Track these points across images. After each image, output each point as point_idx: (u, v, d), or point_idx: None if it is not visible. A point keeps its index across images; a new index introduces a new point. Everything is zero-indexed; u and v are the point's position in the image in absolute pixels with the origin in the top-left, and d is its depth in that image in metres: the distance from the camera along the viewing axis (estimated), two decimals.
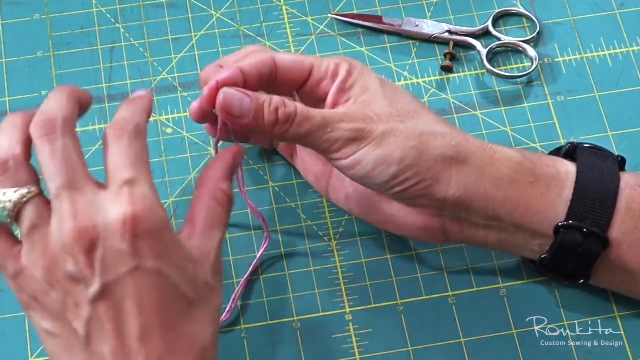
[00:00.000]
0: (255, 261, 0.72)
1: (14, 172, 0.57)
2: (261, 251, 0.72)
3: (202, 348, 0.58)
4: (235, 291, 0.71)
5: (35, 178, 0.58)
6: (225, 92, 0.64)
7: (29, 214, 0.57)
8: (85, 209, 0.56)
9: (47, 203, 0.57)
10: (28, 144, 0.58)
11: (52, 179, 0.57)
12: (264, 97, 0.65)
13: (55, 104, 0.58)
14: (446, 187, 0.66)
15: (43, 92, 0.79)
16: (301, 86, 0.68)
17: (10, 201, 0.57)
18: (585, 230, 0.65)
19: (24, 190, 0.57)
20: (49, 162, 0.57)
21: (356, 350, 0.70)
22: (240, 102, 0.64)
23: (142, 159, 0.58)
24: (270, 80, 0.67)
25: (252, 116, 0.64)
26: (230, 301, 0.70)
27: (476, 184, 0.66)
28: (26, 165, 0.58)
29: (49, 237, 0.57)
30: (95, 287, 0.56)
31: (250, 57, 0.67)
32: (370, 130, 0.65)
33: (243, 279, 0.71)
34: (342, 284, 0.72)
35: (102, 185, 0.58)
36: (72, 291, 0.56)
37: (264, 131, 0.65)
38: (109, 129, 0.58)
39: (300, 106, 0.65)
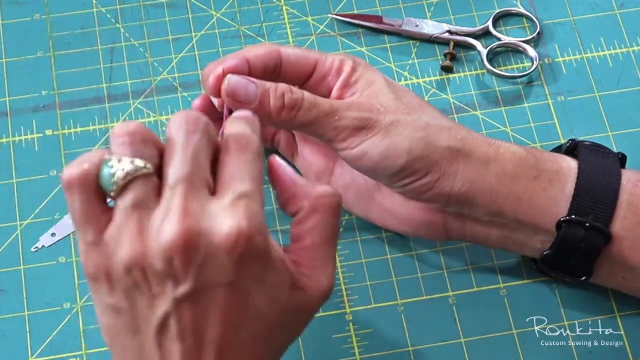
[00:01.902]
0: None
1: (138, 141, 0.55)
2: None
3: None
4: None
5: (157, 159, 0.55)
6: (230, 78, 0.65)
7: (135, 190, 0.54)
8: (196, 211, 0.53)
9: (158, 189, 0.55)
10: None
11: (175, 167, 0.54)
12: (269, 84, 0.65)
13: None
14: (452, 181, 0.66)
15: (43, 92, 0.79)
16: (305, 80, 0.68)
17: (122, 170, 0.54)
18: (587, 224, 0.65)
19: (140, 163, 0.54)
20: (179, 151, 0.55)
21: (356, 350, 0.70)
22: (246, 88, 0.65)
23: (260, 178, 0.56)
24: (274, 72, 0.67)
25: (258, 101, 0.65)
26: None
27: (481, 178, 0.66)
28: (154, 143, 0.55)
29: (149, 223, 0.54)
30: (184, 288, 0.54)
31: (256, 48, 0.67)
32: (378, 120, 0.65)
33: None
34: (342, 284, 0.72)
35: (215, 193, 0.55)
36: (158, 283, 0.54)
37: (271, 117, 0.65)
38: (231, 138, 0.56)
39: (307, 93, 0.65)
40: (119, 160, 0.54)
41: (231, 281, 0.54)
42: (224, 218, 0.54)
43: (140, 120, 0.78)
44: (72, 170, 0.55)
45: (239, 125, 0.57)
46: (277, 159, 0.61)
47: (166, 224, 0.53)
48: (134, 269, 0.54)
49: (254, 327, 0.56)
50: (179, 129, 0.55)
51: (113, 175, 0.54)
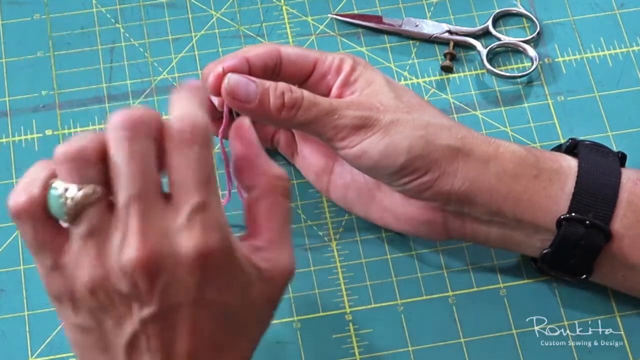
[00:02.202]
0: None
1: (83, 166, 0.52)
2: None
3: None
4: None
5: (103, 179, 0.53)
6: (230, 77, 0.65)
7: (89, 218, 0.52)
8: (154, 231, 0.52)
9: (110, 208, 0.53)
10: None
11: (125, 185, 0.52)
12: (269, 83, 0.65)
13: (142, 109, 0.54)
14: (452, 179, 0.66)
15: (43, 92, 0.79)
16: (305, 80, 0.68)
17: (72, 199, 0.52)
18: (587, 222, 0.65)
19: (88, 190, 0.52)
20: (125, 165, 0.52)
21: (356, 350, 0.70)
22: (246, 87, 0.65)
23: (212, 175, 0.54)
24: (274, 71, 0.67)
25: (258, 100, 0.65)
26: None
27: (481, 177, 0.66)
28: (98, 163, 0.53)
29: (107, 248, 0.53)
30: (150, 310, 0.53)
31: (256, 47, 0.68)
32: (377, 118, 0.66)
33: None
34: (342, 284, 0.72)
35: (169, 198, 0.53)
36: (123, 304, 0.53)
37: (270, 116, 0.65)
38: (175, 131, 0.54)
39: (306, 92, 0.66)
40: (66, 189, 0.52)
41: (196, 298, 0.54)
42: (183, 238, 0.53)
43: None
44: (18, 198, 0.54)
45: (180, 109, 0.55)
46: (246, 122, 0.60)
47: (126, 248, 0.52)
48: (97, 292, 0.53)
49: (228, 331, 0.56)
50: (120, 140, 0.52)
51: (63, 204, 0.52)
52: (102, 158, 0.53)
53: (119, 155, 0.52)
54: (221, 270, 0.54)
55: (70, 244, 0.54)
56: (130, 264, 0.52)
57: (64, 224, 0.54)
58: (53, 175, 0.54)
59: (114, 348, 0.55)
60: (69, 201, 0.52)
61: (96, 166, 0.53)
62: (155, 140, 0.53)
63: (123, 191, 0.52)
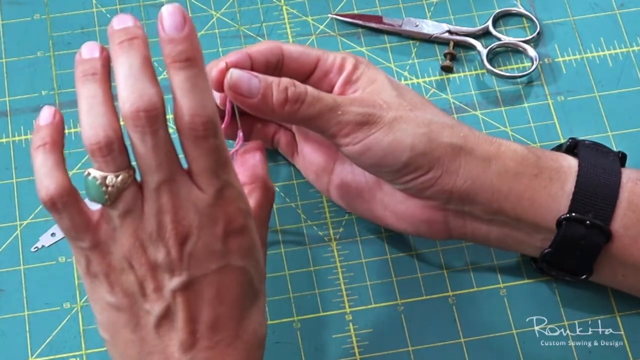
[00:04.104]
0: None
1: (117, 155, 0.56)
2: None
3: (260, 338, 0.60)
4: None
5: (129, 161, 0.57)
6: (233, 72, 0.65)
7: (126, 199, 0.56)
8: (185, 206, 0.56)
9: (140, 188, 0.57)
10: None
11: (153, 172, 0.56)
12: (272, 78, 0.66)
13: (151, 91, 0.57)
14: (454, 177, 0.66)
15: (43, 92, 0.79)
16: (307, 77, 0.69)
17: (113, 186, 0.56)
18: (588, 222, 0.65)
19: (124, 175, 0.56)
20: (152, 155, 0.56)
21: (356, 350, 0.70)
22: (249, 81, 0.65)
23: (227, 158, 0.57)
24: (276, 68, 0.68)
25: (261, 95, 0.65)
26: None
27: (483, 175, 0.66)
28: (125, 148, 0.57)
29: (142, 222, 0.56)
30: (181, 279, 0.57)
31: (258, 44, 0.68)
32: (381, 115, 0.66)
33: None
34: (342, 284, 0.72)
35: (192, 178, 0.57)
36: (155, 277, 0.57)
37: (273, 111, 0.65)
38: (188, 126, 0.56)
39: (310, 87, 0.66)
40: (104, 177, 0.56)
41: (224, 265, 0.58)
42: (212, 211, 0.57)
43: None
44: (49, 190, 0.57)
45: (189, 101, 0.57)
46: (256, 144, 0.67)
47: (161, 220, 0.56)
48: (134, 263, 0.57)
49: (248, 297, 0.59)
50: (143, 129, 0.56)
51: (105, 192, 0.56)
52: (124, 145, 0.56)
53: (143, 147, 0.56)
54: (244, 236, 0.58)
55: (108, 223, 0.57)
56: (164, 231, 0.56)
57: (96, 207, 0.57)
58: (61, 157, 0.58)
59: (145, 324, 0.58)
60: (110, 188, 0.56)
61: (123, 154, 0.56)
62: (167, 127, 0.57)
63: (152, 177, 0.56)
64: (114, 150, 0.56)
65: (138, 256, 0.57)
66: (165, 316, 0.57)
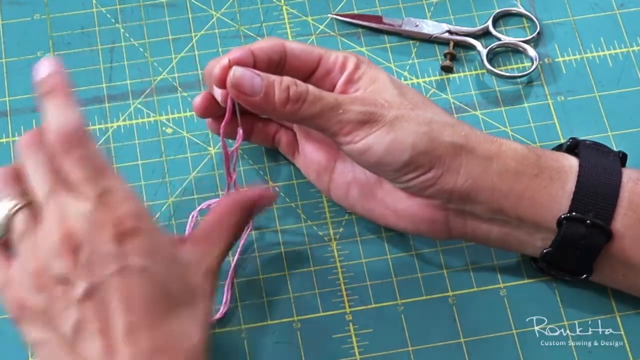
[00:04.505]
0: (240, 245, 0.72)
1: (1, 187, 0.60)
2: (244, 235, 0.72)
3: (187, 350, 0.58)
4: (228, 276, 0.71)
5: (21, 191, 0.60)
6: (236, 70, 0.65)
7: (18, 223, 0.59)
8: (71, 214, 0.57)
9: (38, 212, 0.59)
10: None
11: (39, 187, 0.59)
12: (274, 76, 0.66)
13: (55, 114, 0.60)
14: (456, 176, 0.66)
15: None
16: (309, 76, 0.69)
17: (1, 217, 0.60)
18: (588, 222, 0.65)
19: (9, 204, 0.59)
20: (34, 172, 0.59)
21: (356, 350, 0.70)
22: (251, 80, 0.65)
23: (102, 162, 0.59)
24: (278, 65, 0.68)
25: (263, 93, 0.65)
26: (225, 290, 0.71)
27: (484, 174, 0.66)
28: (11, 182, 0.60)
29: (38, 242, 0.58)
30: (81, 288, 0.57)
31: (261, 41, 0.68)
32: (382, 114, 0.66)
33: (232, 264, 0.72)
34: (342, 284, 0.72)
35: (78, 191, 0.59)
36: (60, 294, 0.57)
37: (275, 110, 0.65)
38: (54, 142, 0.59)
39: (311, 86, 0.66)
40: None
41: (121, 266, 0.57)
42: (96, 215, 0.57)
43: (140, 120, 0.78)
44: None
45: (51, 118, 0.59)
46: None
47: (51, 233, 0.57)
48: (40, 285, 0.58)
49: (161, 302, 0.58)
50: (24, 158, 0.60)
51: None
52: (14, 176, 0.61)
53: (27, 167, 0.60)
54: (140, 235, 0.58)
55: (14, 254, 0.60)
56: (55, 243, 0.57)
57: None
58: None
59: (66, 351, 0.57)
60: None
61: (10, 184, 0.60)
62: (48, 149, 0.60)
63: (39, 192, 0.59)
64: None
65: (42, 276, 0.58)
66: (78, 333, 0.57)
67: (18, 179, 0.60)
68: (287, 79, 0.66)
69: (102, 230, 0.57)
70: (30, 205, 0.60)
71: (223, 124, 0.68)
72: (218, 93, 0.68)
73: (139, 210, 0.58)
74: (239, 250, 0.72)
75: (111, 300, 0.56)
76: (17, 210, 0.59)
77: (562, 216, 0.66)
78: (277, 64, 0.68)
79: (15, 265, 0.59)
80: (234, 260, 0.72)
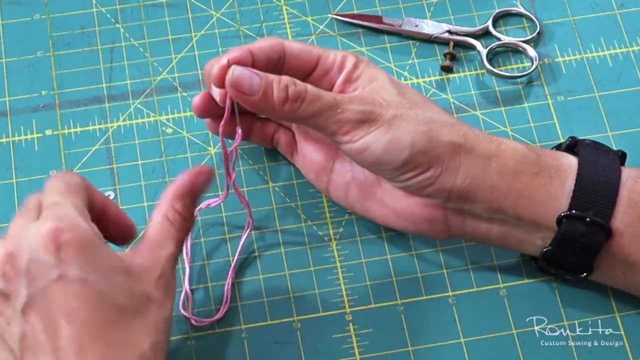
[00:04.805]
0: (240, 245, 0.72)
1: None
2: (244, 235, 0.72)
3: (138, 358, 0.58)
4: (228, 276, 0.71)
5: None
6: (235, 69, 0.65)
7: None
8: (16, 233, 0.59)
9: None
10: None
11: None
12: (273, 76, 0.66)
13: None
14: (455, 176, 0.66)
15: (43, 92, 0.79)
16: (307, 75, 0.69)
17: None
18: (588, 220, 0.65)
19: None
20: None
21: (356, 350, 0.70)
22: (250, 79, 0.65)
23: (65, 189, 0.61)
24: (277, 65, 0.68)
25: (262, 93, 0.65)
26: (226, 289, 0.71)
27: (483, 173, 0.66)
28: None
29: None
30: (22, 299, 0.57)
31: (260, 40, 0.68)
32: (380, 113, 0.66)
33: (232, 264, 0.72)
34: (342, 284, 0.72)
35: None
36: (4, 309, 0.58)
37: (274, 109, 0.66)
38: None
39: (310, 86, 0.66)
40: None
41: (59, 275, 0.57)
42: (37, 226, 0.58)
43: (140, 120, 0.78)
44: None
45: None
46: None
47: None
48: None
49: (104, 313, 0.57)
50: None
51: None
52: None
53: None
54: (79, 247, 0.57)
55: None
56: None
57: None
58: None
59: None
60: None
61: None
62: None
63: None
64: None
65: None
66: (25, 347, 0.57)
67: None
68: (285, 78, 0.66)
69: (40, 238, 0.57)
70: None
71: (222, 123, 0.68)
72: (217, 93, 0.68)
73: (79, 224, 0.58)
74: (238, 250, 0.72)
75: (53, 312, 0.56)
76: None
77: (562, 214, 0.66)
78: (276, 64, 0.68)
79: None
80: (234, 260, 0.72)
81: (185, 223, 0.64)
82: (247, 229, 0.72)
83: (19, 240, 0.58)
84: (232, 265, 0.72)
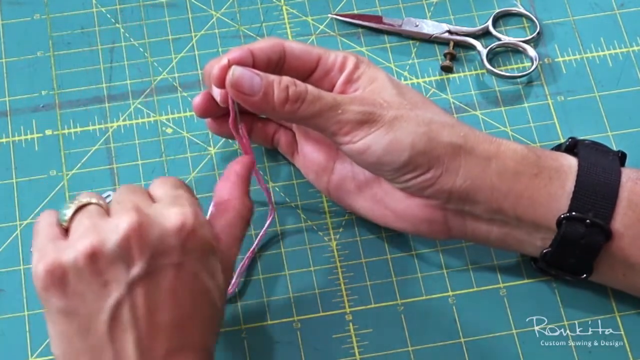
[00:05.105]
0: (261, 234, 0.72)
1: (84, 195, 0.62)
2: (266, 224, 0.72)
3: (209, 351, 0.61)
4: (241, 264, 0.71)
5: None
6: (235, 69, 0.65)
7: (88, 209, 0.60)
8: (144, 209, 0.60)
9: (105, 209, 0.61)
10: None
11: (116, 199, 0.61)
12: (273, 76, 0.66)
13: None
14: (455, 177, 0.66)
15: (43, 92, 0.79)
16: (308, 76, 0.69)
17: (69, 208, 0.61)
18: (588, 221, 0.65)
19: (85, 199, 0.61)
20: (117, 193, 0.62)
21: (356, 350, 0.70)
22: (251, 79, 0.65)
23: (174, 180, 0.64)
24: (278, 65, 0.68)
25: (262, 93, 0.65)
26: (235, 275, 0.71)
27: (482, 174, 0.66)
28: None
29: (103, 224, 0.59)
30: (137, 270, 0.58)
31: (261, 41, 0.68)
32: (381, 114, 0.66)
33: (249, 253, 0.72)
34: (342, 284, 0.72)
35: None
36: (110, 269, 0.58)
37: (274, 110, 0.66)
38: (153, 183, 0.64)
39: (310, 86, 0.66)
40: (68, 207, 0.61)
41: (180, 262, 0.59)
42: (170, 209, 0.60)
43: (140, 120, 0.78)
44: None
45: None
46: (243, 157, 0.68)
47: (121, 218, 0.59)
48: (88, 259, 0.58)
49: (204, 308, 0.61)
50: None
51: (66, 212, 0.61)
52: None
53: (115, 193, 0.63)
54: (200, 244, 0.60)
55: (69, 228, 0.60)
56: (125, 227, 0.58)
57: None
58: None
59: (96, 328, 0.58)
60: (72, 205, 0.61)
61: (93, 195, 0.62)
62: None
63: (118, 199, 0.61)
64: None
65: (95, 250, 0.58)
66: (118, 314, 0.58)
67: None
68: (286, 79, 0.66)
69: (172, 224, 0.59)
70: (102, 206, 0.61)
71: (230, 120, 0.68)
72: (217, 93, 0.68)
73: (199, 215, 0.61)
74: (253, 247, 0.72)
75: (162, 292, 0.58)
76: (90, 204, 0.61)
77: (562, 216, 0.66)
78: (277, 64, 0.68)
79: (70, 235, 0.60)
80: (252, 248, 0.72)
81: (251, 217, 0.67)
82: (269, 216, 0.73)
83: (149, 215, 0.59)
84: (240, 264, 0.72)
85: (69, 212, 0.60)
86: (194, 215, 0.60)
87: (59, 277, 0.58)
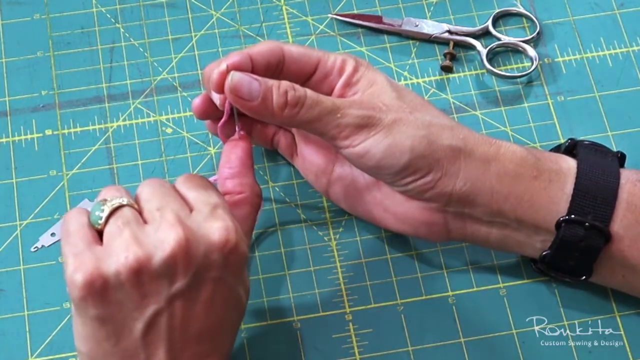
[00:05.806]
0: None
1: (113, 191, 0.62)
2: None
3: (229, 356, 0.63)
4: None
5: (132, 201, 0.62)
6: (234, 75, 0.65)
7: (122, 213, 0.60)
8: (186, 222, 0.59)
9: (138, 210, 0.61)
10: None
11: (156, 199, 0.61)
12: (272, 81, 0.66)
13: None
14: (454, 180, 0.66)
15: (43, 92, 0.79)
16: (307, 79, 0.69)
17: (103, 211, 0.60)
18: (587, 224, 0.65)
19: (119, 200, 0.60)
20: (151, 191, 0.62)
21: (356, 350, 0.70)
22: (249, 85, 0.65)
23: (208, 184, 0.64)
24: (277, 69, 0.68)
25: (261, 98, 0.65)
26: None
27: (482, 177, 0.66)
28: (127, 193, 0.62)
29: (142, 233, 0.59)
30: (179, 286, 0.58)
31: (259, 45, 0.68)
32: (380, 118, 0.66)
33: None
34: (342, 284, 0.72)
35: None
36: (152, 284, 0.58)
37: (273, 115, 0.65)
38: (177, 180, 0.64)
39: (309, 91, 0.66)
40: (102, 210, 0.61)
41: (220, 276, 0.60)
42: (213, 223, 0.60)
43: (140, 120, 0.78)
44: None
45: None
46: (239, 140, 0.68)
47: (165, 232, 0.59)
48: (132, 273, 0.58)
49: (234, 318, 0.62)
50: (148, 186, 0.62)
51: (99, 217, 0.60)
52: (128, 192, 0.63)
53: (144, 190, 0.62)
54: (239, 259, 0.60)
55: (106, 232, 0.60)
56: (173, 247, 0.58)
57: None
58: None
59: (130, 335, 0.59)
60: (105, 207, 0.60)
61: (124, 193, 0.62)
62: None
63: (154, 202, 0.60)
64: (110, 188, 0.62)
65: (140, 264, 0.58)
66: (155, 323, 0.58)
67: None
68: (285, 84, 0.65)
69: (216, 240, 0.59)
70: (136, 208, 0.61)
71: (220, 124, 0.68)
72: (216, 97, 0.68)
73: (238, 229, 0.61)
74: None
75: (197, 306, 0.59)
76: (123, 206, 0.60)
77: (561, 219, 0.66)
78: (276, 68, 0.68)
79: (106, 240, 0.59)
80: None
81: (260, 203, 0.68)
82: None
83: (192, 229, 0.59)
84: None
85: (103, 215, 0.60)
86: (236, 230, 0.60)
87: (99, 288, 0.58)
